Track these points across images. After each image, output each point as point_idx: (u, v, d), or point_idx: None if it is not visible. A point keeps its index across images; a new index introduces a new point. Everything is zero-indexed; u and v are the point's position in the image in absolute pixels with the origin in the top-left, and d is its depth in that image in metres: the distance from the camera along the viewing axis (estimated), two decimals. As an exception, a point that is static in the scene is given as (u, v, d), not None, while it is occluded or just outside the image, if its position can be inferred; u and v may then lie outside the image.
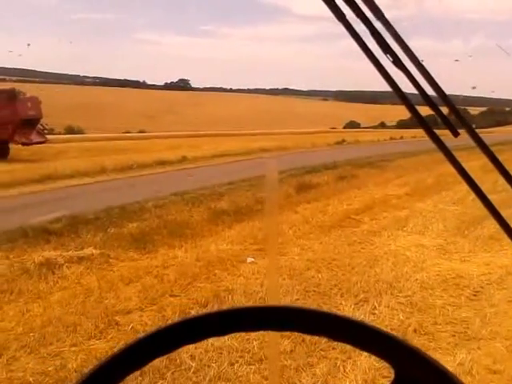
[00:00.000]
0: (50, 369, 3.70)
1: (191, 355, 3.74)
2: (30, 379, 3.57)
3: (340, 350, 3.78)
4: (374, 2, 0.59)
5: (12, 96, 19.10)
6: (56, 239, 6.97)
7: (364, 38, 0.60)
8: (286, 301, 4.74)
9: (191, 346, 3.90)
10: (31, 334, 4.20)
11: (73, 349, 3.98)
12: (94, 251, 6.31)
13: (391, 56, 0.57)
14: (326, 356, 3.76)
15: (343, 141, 29.85)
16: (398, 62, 0.57)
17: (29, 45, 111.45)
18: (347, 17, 0.60)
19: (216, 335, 0.58)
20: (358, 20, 0.60)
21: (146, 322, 4.40)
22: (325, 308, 4.62)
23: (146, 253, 6.52)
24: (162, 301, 4.91)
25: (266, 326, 0.58)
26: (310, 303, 4.79)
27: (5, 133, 18.73)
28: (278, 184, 0.75)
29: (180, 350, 0.59)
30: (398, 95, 0.59)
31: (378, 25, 0.59)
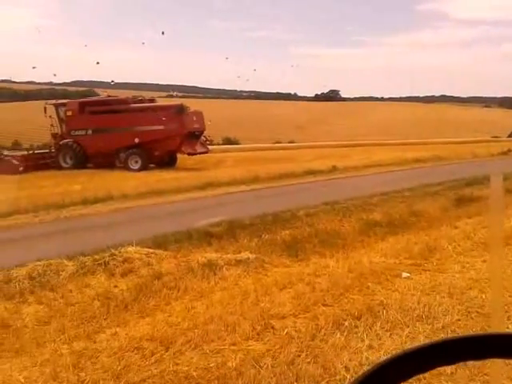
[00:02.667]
0: (211, 365, 3.85)
1: (345, 367, 3.72)
2: (194, 374, 3.74)
3: (507, 375, 3.45)
4: None
5: (180, 110, 20.93)
6: (217, 242, 7.47)
7: None
8: (445, 321, 4.47)
9: (345, 358, 3.88)
10: (195, 331, 4.45)
11: (232, 348, 4.15)
12: (250, 255, 6.62)
13: None
14: (490, 381, 3.46)
15: (509, 151, 27.23)
16: None
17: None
18: None
19: (470, 359, 0.56)
20: None
21: (299, 329, 4.46)
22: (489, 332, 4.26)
23: (297, 260, 6.65)
24: (315, 309, 4.94)
25: None
26: (473, 325, 4.46)
27: (174, 144, 20.64)
28: (503, 194, 0.73)
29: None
30: None
31: None
